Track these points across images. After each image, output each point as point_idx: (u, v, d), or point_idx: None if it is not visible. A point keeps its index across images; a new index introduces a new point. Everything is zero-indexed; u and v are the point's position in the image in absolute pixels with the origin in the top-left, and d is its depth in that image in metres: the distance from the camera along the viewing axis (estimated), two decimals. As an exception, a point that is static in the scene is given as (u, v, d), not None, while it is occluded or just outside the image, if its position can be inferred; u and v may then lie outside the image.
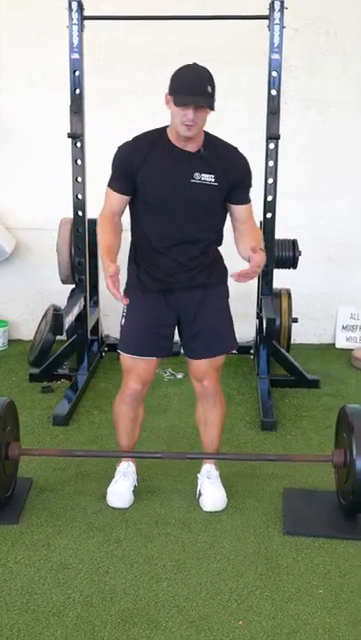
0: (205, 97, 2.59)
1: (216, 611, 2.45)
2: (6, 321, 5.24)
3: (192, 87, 2.59)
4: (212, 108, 2.64)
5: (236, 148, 2.84)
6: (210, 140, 2.80)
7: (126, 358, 3.01)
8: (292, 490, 3.22)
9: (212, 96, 2.61)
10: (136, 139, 2.82)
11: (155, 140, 2.77)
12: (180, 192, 2.75)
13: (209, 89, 2.60)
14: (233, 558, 2.74)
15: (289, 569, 2.68)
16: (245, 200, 2.87)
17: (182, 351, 3.08)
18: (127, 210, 2.91)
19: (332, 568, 2.69)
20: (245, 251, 2.79)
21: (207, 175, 2.75)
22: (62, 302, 4.82)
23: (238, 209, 2.87)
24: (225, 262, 3.00)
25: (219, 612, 2.45)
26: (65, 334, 4.66)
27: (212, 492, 3.08)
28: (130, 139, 2.82)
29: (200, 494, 3.11)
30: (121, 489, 3.09)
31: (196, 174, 2.74)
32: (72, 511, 3.04)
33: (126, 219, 2.92)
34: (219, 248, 2.96)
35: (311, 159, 5.04)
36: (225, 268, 2.99)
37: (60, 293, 4.99)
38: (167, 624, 2.38)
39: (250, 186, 2.88)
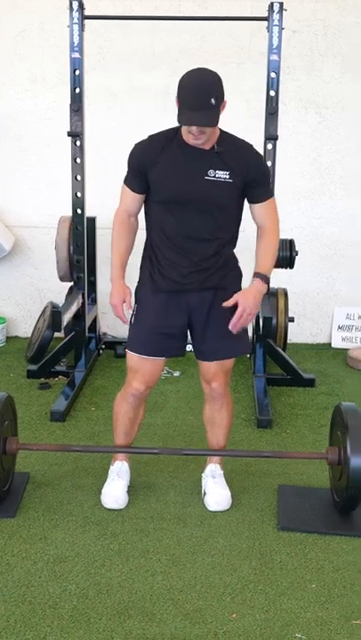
0: (207, 112, 2.57)
1: (210, 604, 2.48)
2: (4, 318, 5.27)
3: (194, 102, 2.55)
4: (212, 126, 2.63)
5: (251, 145, 2.83)
6: (225, 137, 2.78)
7: (133, 357, 2.99)
8: (287, 486, 3.26)
9: (215, 107, 2.58)
10: (151, 137, 2.83)
11: (169, 138, 2.77)
12: (193, 189, 2.74)
13: (212, 101, 2.55)
14: (228, 553, 2.77)
15: (283, 564, 2.72)
16: (262, 198, 2.84)
17: (191, 349, 3.05)
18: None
19: (326, 563, 2.72)
20: (256, 260, 2.88)
21: (222, 172, 2.73)
22: (60, 300, 4.86)
23: (255, 207, 2.86)
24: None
25: (213, 605, 2.48)
26: (63, 331, 4.72)
27: (216, 491, 3.09)
28: (145, 137, 2.83)
29: (205, 494, 3.11)
30: (115, 490, 3.08)
31: (211, 171, 2.73)
32: (69, 505, 3.07)
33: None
34: (234, 251, 2.96)
35: (309, 160, 5.08)
36: (240, 272, 2.98)
37: (58, 291, 5.03)
38: (162, 616, 2.41)
39: (268, 182, 2.88)
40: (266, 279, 2.83)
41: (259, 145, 4.21)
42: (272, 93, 4.16)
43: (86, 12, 4.17)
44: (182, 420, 3.98)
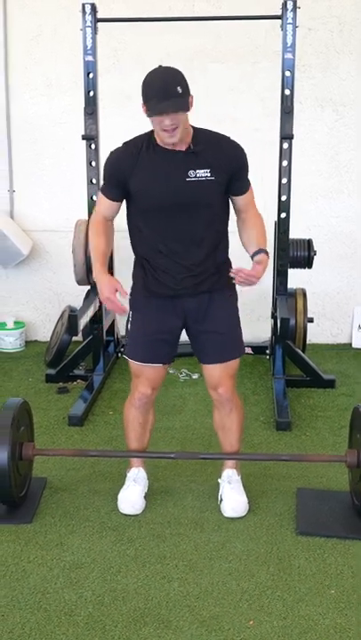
0: (176, 99, 2.54)
1: (227, 610, 2.45)
2: (23, 322, 5.28)
3: (161, 92, 2.53)
4: (185, 110, 2.59)
5: (228, 137, 2.78)
6: (199, 134, 2.73)
7: (134, 364, 2.98)
8: (306, 490, 3.21)
9: (183, 96, 2.56)
10: (125, 145, 2.78)
11: (144, 144, 2.71)
12: (177, 194, 2.70)
13: (179, 89, 2.54)
14: (245, 558, 2.74)
15: (301, 569, 2.67)
16: (244, 189, 2.82)
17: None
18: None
19: (345, 568, 2.68)
20: (248, 244, 2.81)
21: (202, 170, 2.69)
22: (78, 303, 4.84)
23: (238, 199, 2.83)
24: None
25: (230, 611, 2.45)
26: (81, 335, 4.72)
27: (233, 497, 3.05)
28: (121, 144, 2.79)
29: (221, 500, 3.07)
30: (132, 495, 3.06)
31: (191, 172, 2.69)
32: (85, 511, 3.06)
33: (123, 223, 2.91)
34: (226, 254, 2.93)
35: (326, 158, 5.03)
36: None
37: (76, 295, 5.02)
38: (178, 624, 2.38)
39: (247, 173, 2.82)
40: (268, 253, 2.76)
41: (274, 144, 4.21)
42: (287, 92, 4.12)
43: (99, 15, 4.16)
44: (201, 423, 3.95)
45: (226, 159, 2.73)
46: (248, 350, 4.96)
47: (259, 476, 3.33)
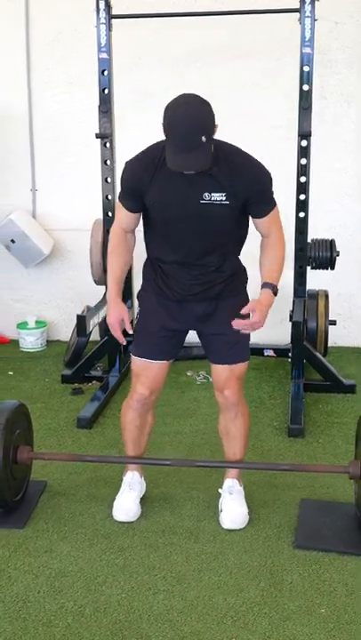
0: (199, 153, 2.42)
1: (210, 627, 2.36)
2: (45, 322, 5.26)
3: (184, 143, 2.42)
4: (205, 169, 2.49)
5: (249, 158, 2.65)
6: (220, 151, 2.59)
7: (137, 361, 2.95)
8: (309, 501, 3.10)
9: (208, 144, 2.43)
10: (143, 155, 2.68)
11: (162, 156, 2.58)
12: (189, 214, 2.63)
13: (203, 139, 2.41)
14: (236, 572, 2.64)
15: (293, 585, 2.57)
16: (264, 212, 2.71)
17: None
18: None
19: (339, 585, 2.56)
20: (261, 272, 2.74)
21: (217, 194, 2.60)
22: (98, 303, 4.81)
23: (258, 221, 2.75)
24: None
25: (212, 628, 2.36)
26: (100, 336, 4.68)
27: (232, 509, 2.96)
28: (137, 154, 2.69)
29: (221, 510, 2.99)
30: (126, 502, 3.00)
31: (206, 194, 2.60)
32: (81, 517, 3.00)
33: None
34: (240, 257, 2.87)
35: (352, 156, 4.87)
36: (245, 277, 2.89)
37: (98, 294, 4.96)
38: (157, 639, 2.31)
39: (267, 196, 2.70)
40: (275, 290, 2.70)
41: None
42: (305, 87, 4.00)
43: (120, 12, 4.10)
44: (212, 427, 3.81)
45: (243, 184, 2.61)
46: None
47: (262, 485, 3.23)
